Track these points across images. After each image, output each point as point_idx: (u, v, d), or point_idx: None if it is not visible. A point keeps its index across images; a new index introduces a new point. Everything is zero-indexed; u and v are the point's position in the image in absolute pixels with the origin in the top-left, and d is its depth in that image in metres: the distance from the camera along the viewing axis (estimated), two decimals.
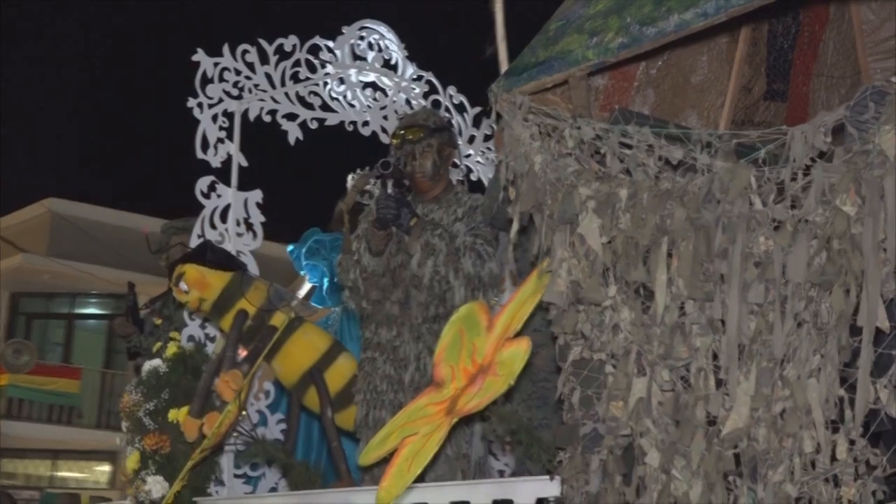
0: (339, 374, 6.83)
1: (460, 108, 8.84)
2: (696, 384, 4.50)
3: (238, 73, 7.79)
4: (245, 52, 7.83)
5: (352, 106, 8.35)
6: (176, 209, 8.80)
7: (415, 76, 8.62)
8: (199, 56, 7.68)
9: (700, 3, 4.61)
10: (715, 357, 4.53)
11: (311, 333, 6.92)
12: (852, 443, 4.19)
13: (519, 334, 5.05)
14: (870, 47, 6.26)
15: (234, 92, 7.77)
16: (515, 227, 5.02)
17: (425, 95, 8.60)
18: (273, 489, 7.43)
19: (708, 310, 4.53)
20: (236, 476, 7.29)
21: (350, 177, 8.23)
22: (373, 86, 8.50)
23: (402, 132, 6.28)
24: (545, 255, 4.99)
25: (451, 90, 8.67)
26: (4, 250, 28.67)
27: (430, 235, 5.96)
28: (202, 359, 6.97)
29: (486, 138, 8.72)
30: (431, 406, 5.14)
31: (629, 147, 4.84)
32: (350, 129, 8.41)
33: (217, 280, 6.72)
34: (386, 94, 8.50)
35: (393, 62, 8.56)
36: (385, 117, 8.50)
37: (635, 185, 4.71)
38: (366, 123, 8.43)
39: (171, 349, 6.86)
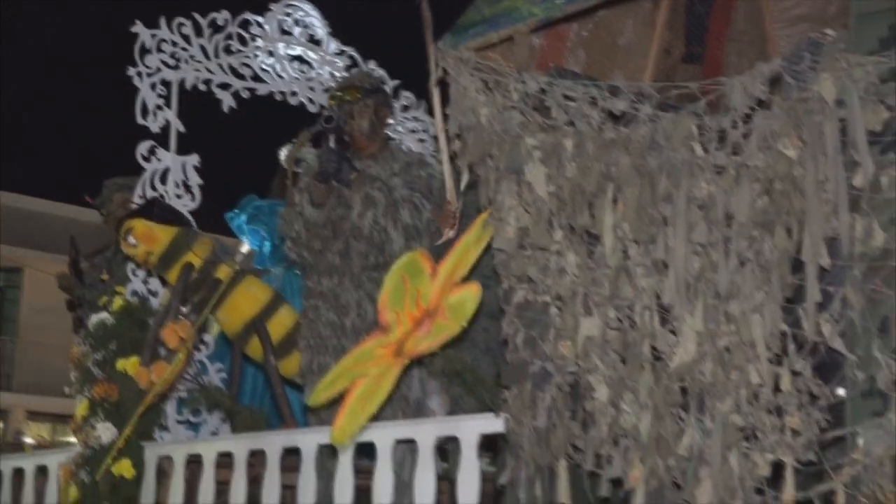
0: (280, 324, 6.48)
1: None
2: (641, 323, 4.17)
3: (174, 44, 7.46)
4: (181, 25, 7.49)
5: (280, 77, 8.03)
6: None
7: (337, 51, 8.25)
8: (138, 28, 7.33)
9: None
10: (659, 297, 4.19)
11: (253, 286, 6.54)
12: (796, 375, 3.85)
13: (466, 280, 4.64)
14: (775, 15, 6.00)
15: (172, 62, 7.40)
16: (465, 177, 4.63)
17: (347, 69, 8.19)
18: (214, 434, 6.96)
19: (652, 252, 4.19)
20: (178, 422, 6.88)
21: (281, 151, 7.86)
22: (299, 59, 8.17)
23: (340, 93, 5.95)
24: (490, 204, 4.61)
25: (372, 64, 8.25)
26: None
27: (369, 188, 5.71)
28: (147, 312, 6.55)
29: (404, 109, 8.29)
30: (379, 349, 4.85)
31: (573, 100, 4.46)
32: (279, 98, 8.10)
33: (164, 234, 6.32)
34: (312, 67, 8.14)
35: (317, 38, 8.18)
36: (311, 88, 8.22)
37: (580, 135, 4.37)
38: (294, 94, 8.13)
39: (118, 303, 6.39)
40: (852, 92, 3.89)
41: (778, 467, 3.92)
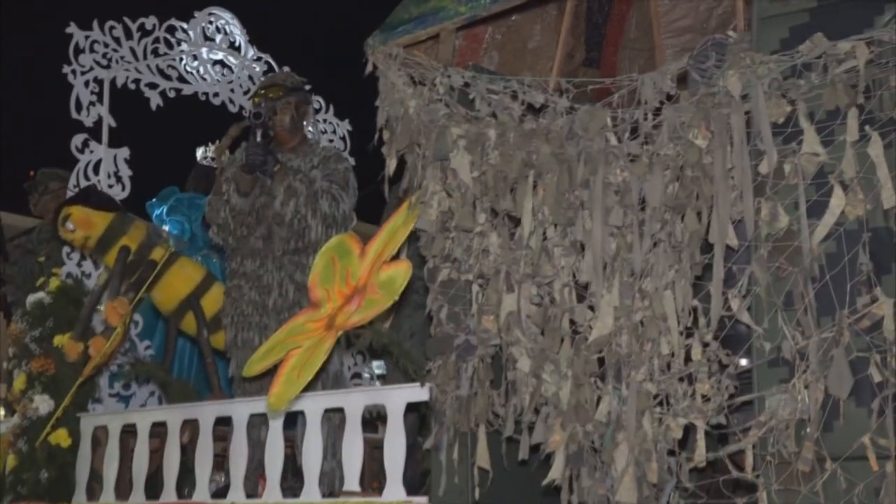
0: (212, 300, 6.10)
1: None
2: (561, 299, 3.94)
3: (106, 45, 7.05)
4: (112, 27, 7.05)
5: (204, 79, 7.65)
6: None
7: (255, 57, 7.92)
8: (72, 29, 6.92)
9: None
10: (576, 275, 3.97)
11: (187, 266, 6.17)
12: (706, 346, 3.66)
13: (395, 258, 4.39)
14: (663, 26, 5.85)
15: (104, 62, 6.96)
16: (392, 164, 4.36)
17: (264, 73, 7.87)
18: (142, 406, 6.57)
19: (570, 234, 3.97)
20: (110, 395, 6.46)
21: (200, 149, 7.51)
22: (221, 63, 7.80)
23: (264, 91, 5.65)
24: (415, 190, 4.35)
25: (286, 69, 7.88)
26: None
27: (291, 179, 5.40)
28: (82, 292, 6.08)
29: (315, 111, 7.97)
30: (310, 323, 4.57)
31: (495, 93, 4.22)
32: (203, 98, 7.69)
33: (101, 220, 5.91)
34: (232, 71, 7.79)
35: (237, 44, 7.80)
36: (232, 90, 7.88)
37: (503, 125, 4.14)
38: (216, 95, 7.75)
39: (54, 283, 5.95)
40: (757, 87, 3.75)
41: (690, 431, 3.73)
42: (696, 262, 3.81)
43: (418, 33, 4.40)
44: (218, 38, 7.76)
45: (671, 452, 3.74)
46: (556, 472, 3.83)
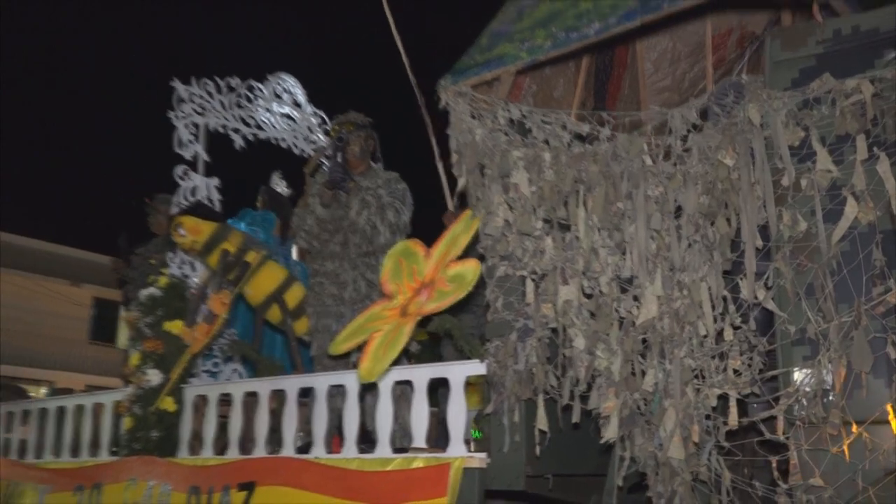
0: (293, 296, 5.54)
1: None
2: (609, 290, 3.39)
3: (202, 97, 6.55)
4: (206, 84, 6.50)
5: (274, 128, 7.16)
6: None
7: (312, 112, 7.37)
8: (176, 83, 6.40)
9: (608, 16, 3.53)
10: (619, 270, 3.50)
11: (273, 268, 5.60)
12: (736, 328, 3.15)
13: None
14: (648, 86, 5.43)
15: (200, 110, 6.46)
16: (463, 181, 3.84)
17: (319, 125, 7.36)
18: (227, 381, 5.95)
19: (615, 237, 3.46)
20: (203, 371, 5.84)
21: (274, 175, 7.11)
22: (287, 116, 7.25)
23: (340, 126, 5.04)
24: (476, 202, 3.85)
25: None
26: None
27: (364, 194, 4.88)
28: (184, 287, 5.48)
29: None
30: (386, 311, 4.05)
31: (549, 123, 3.72)
32: (273, 142, 7.16)
33: (206, 228, 5.34)
34: (295, 122, 7.25)
35: (298, 102, 7.26)
36: (295, 136, 7.34)
37: (556, 149, 3.63)
38: (283, 139, 7.24)
39: (163, 280, 5.35)
40: (776, 116, 3.28)
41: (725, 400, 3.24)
42: (727, 258, 3.32)
43: (484, 75, 3.90)
44: (285, 96, 7.25)
45: (707, 417, 3.23)
46: (611, 433, 3.31)
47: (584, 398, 3.49)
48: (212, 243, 5.29)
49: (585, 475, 4.03)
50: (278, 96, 7.17)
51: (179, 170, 6.23)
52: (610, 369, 3.37)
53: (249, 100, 6.89)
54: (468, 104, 3.91)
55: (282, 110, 7.19)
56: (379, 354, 3.79)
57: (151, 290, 5.39)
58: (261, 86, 7.01)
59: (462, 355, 4.22)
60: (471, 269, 3.73)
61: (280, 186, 7.18)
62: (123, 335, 25.09)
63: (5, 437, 6.67)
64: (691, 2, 3.35)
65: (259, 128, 6.94)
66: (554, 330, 3.62)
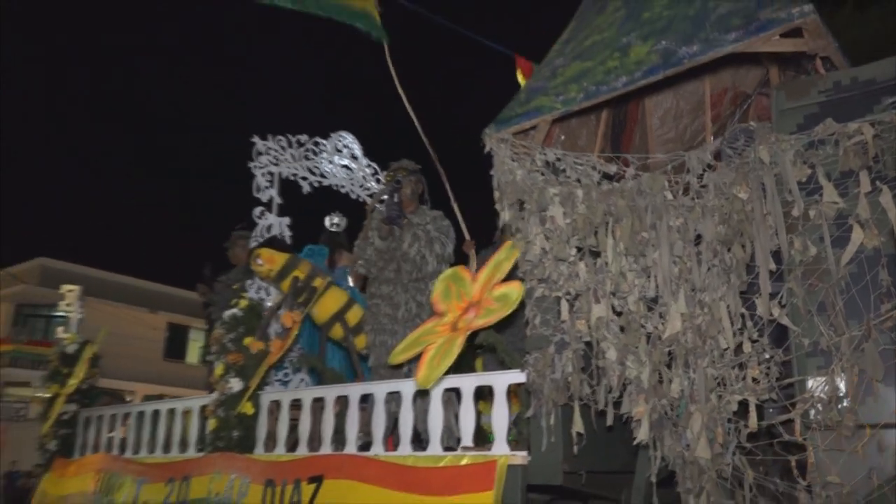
0: (354, 315, 5.35)
1: None
2: (636, 308, 3.17)
3: (276, 151, 6.50)
4: (279, 139, 6.42)
5: (335, 176, 7.06)
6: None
7: (367, 164, 7.23)
8: (255, 139, 6.38)
9: (634, 72, 3.35)
10: (645, 291, 3.28)
11: (336, 291, 5.42)
12: (754, 341, 2.91)
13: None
14: (655, 138, 5.23)
15: (274, 161, 6.36)
16: (505, 216, 3.64)
17: (373, 175, 7.22)
18: (297, 388, 5.75)
19: (641, 262, 3.25)
20: (275, 380, 5.65)
21: (327, 218, 6.69)
22: (346, 167, 7.09)
23: (394, 171, 4.85)
24: (516, 233, 3.67)
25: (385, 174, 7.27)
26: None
27: (415, 229, 4.71)
28: (261, 308, 5.29)
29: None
30: (438, 327, 3.82)
31: (580, 164, 3.52)
32: (335, 188, 7.09)
33: (280, 258, 5.19)
34: (353, 172, 7.08)
35: (356, 155, 7.13)
36: (353, 184, 7.24)
37: (587, 187, 3.42)
38: (342, 186, 7.14)
39: (243, 303, 5.17)
40: (784, 156, 3.07)
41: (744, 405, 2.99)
42: (743, 280, 3.08)
43: (524, 124, 3.72)
44: (345, 150, 7.11)
45: (729, 420, 2.98)
46: (643, 434, 3.07)
47: (616, 404, 3.25)
48: (284, 271, 5.12)
49: (614, 472, 3.77)
50: (339, 150, 7.07)
51: (257, 211, 6.14)
52: (640, 378, 3.13)
53: (315, 153, 6.80)
54: (509, 149, 3.73)
55: (342, 162, 7.08)
56: (434, 364, 3.58)
57: (234, 311, 5.22)
58: (324, 141, 6.92)
59: (503, 366, 4.02)
60: (515, 290, 3.52)
61: (336, 226, 6.95)
62: (193, 353, 25.02)
63: (108, 435, 6.49)
64: (707, 57, 3.17)
65: (323, 176, 6.83)
66: (587, 343, 3.40)
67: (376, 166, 7.37)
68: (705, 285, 3.12)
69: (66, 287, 7.46)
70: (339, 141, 7.09)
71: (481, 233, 5.12)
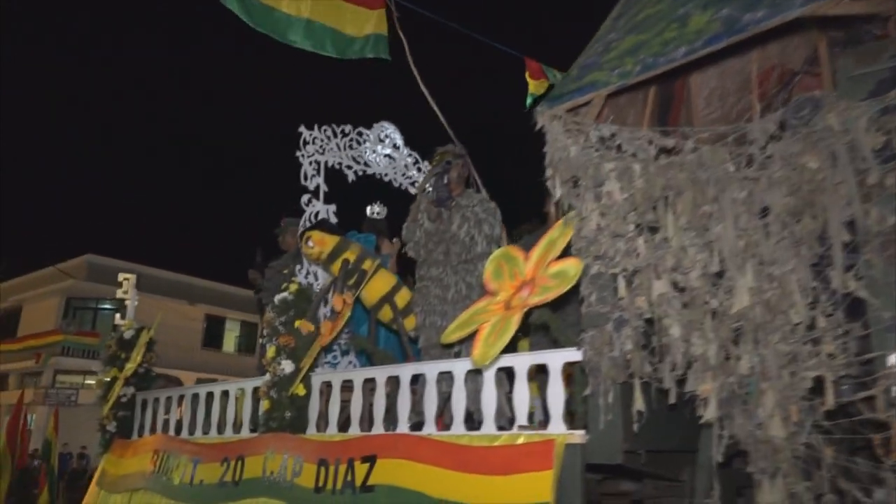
0: (402, 298, 5.16)
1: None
2: (699, 284, 2.89)
3: (322, 140, 6.29)
4: (325, 129, 6.27)
5: (378, 165, 6.84)
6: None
7: (408, 153, 7.01)
8: (302, 129, 6.19)
9: (694, 41, 3.08)
10: (706, 267, 3.00)
11: (385, 274, 5.24)
12: (828, 315, 2.63)
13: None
14: (701, 119, 4.95)
15: (320, 151, 6.17)
16: (559, 193, 3.39)
17: (414, 164, 7.01)
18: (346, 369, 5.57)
19: (704, 236, 2.96)
20: (325, 363, 5.48)
21: (369, 207, 6.50)
22: (389, 156, 6.90)
23: (441, 155, 4.63)
24: (568, 210, 3.44)
25: (425, 163, 7.08)
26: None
27: (464, 211, 4.50)
28: (311, 292, 5.14)
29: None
30: (491, 306, 3.58)
31: (637, 139, 3.27)
32: (378, 177, 6.86)
33: (331, 240, 5.01)
34: (395, 161, 6.88)
35: (397, 144, 6.93)
36: (395, 172, 7.00)
37: (645, 161, 3.14)
38: (386, 175, 6.92)
39: (294, 287, 5.00)
40: (857, 123, 2.77)
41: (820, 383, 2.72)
42: (815, 252, 2.81)
43: (578, 100, 3.46)
44: (387, 140, 6.90)
45: (804, 398, 2.71)
46: (710, 413, 2.81)
47: (679, 382, 3.00)
48: (335, 253, 4.94)
49: (672, 451, 3.53)
50: (381, 140, 6.87)
51: (304, 198, 5.97)
52: (706, 355, 2.88)
53: (359, 143, 6.62)
54: (563, 125, 3.48)
55: (384, 152, 6.88)
56: (490, 341, 3.37)
57: (284, 295, 5.05)
58: (367, 131, 6.74)
59: (556, 345, 3.80)
60: (573, 267, 3.29)
61: (377, 214, 6.75)
62: (229, 342, 25.35)
63: (164, 417, 6.40)
64: (772, 23, 2.90)
65: (367, 165, 6.65)
66: (647, 320, 3.15)
67: (417, 155, 7.17)
68: (774, 258, 2.85)
69: (122, 275, 7.39)
70: (382, 131, 6.90)
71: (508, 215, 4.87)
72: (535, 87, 8.07)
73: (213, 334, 26.44)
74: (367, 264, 4.96)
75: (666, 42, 3.19)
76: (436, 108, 6.82)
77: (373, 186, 6.75)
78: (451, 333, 3.71)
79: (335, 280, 4.91)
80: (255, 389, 5.21)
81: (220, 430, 5.58)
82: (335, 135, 6.37)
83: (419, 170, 7.16)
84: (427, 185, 4.57)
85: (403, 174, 7.02)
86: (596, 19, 3.96)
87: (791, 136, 3.03)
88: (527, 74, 8.11)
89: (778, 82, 4.93)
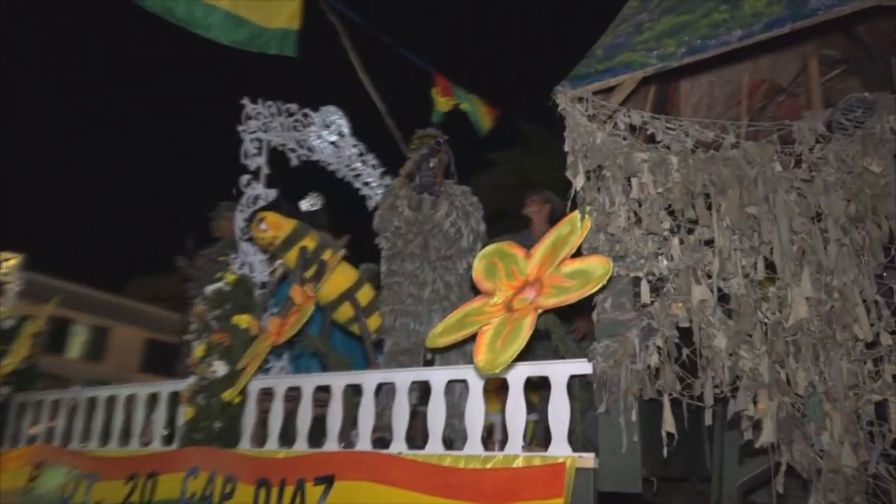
0: (364, 295, 4.60)
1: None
2: (747, 291, 2.58)
3: (265, 117, 5.65)
4: (269, 105, 5.60)
5: (322, 153, 6.22)
6: None
7: (353, 144, 6.41)
8: (245, 101, 5.50)
9: (752, 25, 2.80)
10: (752, 273, 2.71)
11: (347, 267, 4.64)
12: (893, 332, 2.38)
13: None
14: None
15: (263, 128, 5.55)
16: (581, 181, 3.01)
17: (358, 155, 6.44)
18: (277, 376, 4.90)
19: (750, 239, 2.66)
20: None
21: (302, 202, 5.91)
22: (333, 144, 6.26)
23: (421, 139, 4.22)
24: (586, 202, 3.09)
25: (371, 155, 6.53)
26: None
27: (453, 199, 4.10)
28: (251, 284, 4.50)
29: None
30: (487, 307, 3.19)
31: (672, 130, 2.95)
32: (321, 165, 6.29)
33: (287, 224, 4.40)
34: (339, 149, 6.28)
35: (343, 132, 6.33)
36: (339, 160, 6.38)
37: (683, 153, 2.83)
38: (330, 164, 6.34)
39: (231, 277, 4.34)
40: None
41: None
42: (879, 262, 2.56)
43: (608, 81, 3.10)
44: (333, 126, 6.31)
45: (869, 423, 2.44)
46: (767, 436, 2.49)
47: (719, 400, 2.67)
48: (291, 240, 4.32)
49: (675, 479, 3.20)
50: (327, 126, 6.27)
51: (245, 178, 5.29)
52: (758, 370, 2.56)
53: (304, 125, 6.00)
54: (586, 109, 3.11)
55: (329, 139, 6.28)
56: (497, 347, 2.91)
57: (220, 286, 4.37)
58: (313, 114, 6.13)
59: (556, 354, 3.39)
60: (600, 266, 2.90)
61: (313, 205, 6.10)
62: (73, 348, 23.04)
63: (47, 425, 5.44)
64: (850, 8, 2.66)
65: (311, 150, 6.04)
66: (680, 330, 2.81)
67: (363, 147, 6.63)
68: (833, 267, 2.59)
69: (3, 254, 6.32)
70: (328, 116, 6.30)
71: None
72: (442, 104, 7.85)
73: (54, 337, 23.60)
74: (328, 254, 4.36)
75: (715, 24, 2.90)
76: (377, 100, 6.49)
77: (316, 174, 6.16)
78: (439, 337, 3.24)
79: (287, 270, 4.28)
80: (174, 394, 4.48)
81: (124, 441, 4.77)
82: (280, 113, 5.73)
83: (364, 162, 6.62)
84: (411, 168, 4.06)
85: (348, 165, 6.46)
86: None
87: (844, 137, 2.81)
88: (435, 91, 7.89)
89: (765, 97, 4.83)
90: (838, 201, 2.66)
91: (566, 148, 3.12)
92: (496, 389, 3.83)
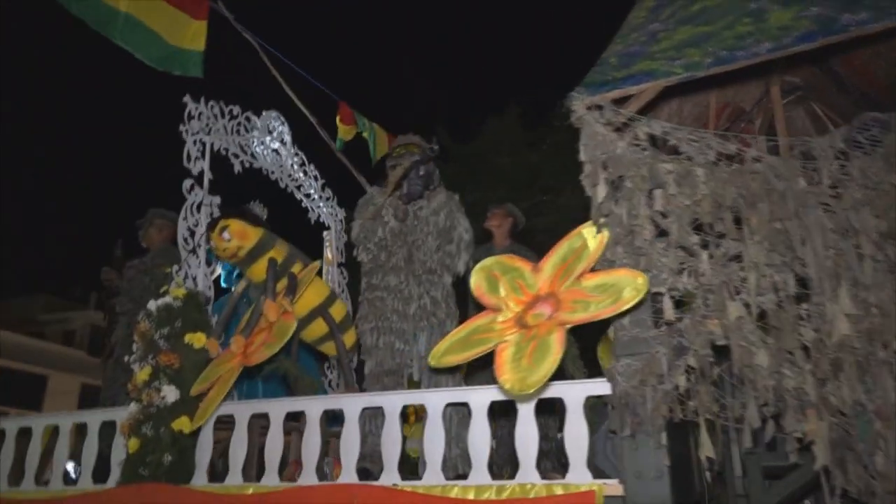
0: (337, 311, 4.17)
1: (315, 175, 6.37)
2: (787, 306, 2.51)
3: (209, 118, 5.07)
4: (212, 105, 5.10)
5: (266, 160, 5.72)
6: None
7: (295, 152, 6.02)
8: (187, 99, 4.91)
9: (782, 38, 2.78)
10: (783, 288, 2.66)
11: (319, 282, 4.25)
12: None
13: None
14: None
15: (206, 129, 5.02)
16: (602, 191, 2.84)
17: (299, 165, 6.06)
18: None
19: (783, 255, 2.61)
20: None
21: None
22: (276, 151, 5.83)
23: (404, 146, 3.98)
24: (601, 214, 2.94)
25: (313, 165, 6.17)
26: None
27: (440, 198, 3.92)
28: (202, 299, 4.03)
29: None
30: (497, 324, 2.99)
31: (696, 141, 2.86)
32: (264, 173, 5.71)
33: (254, 233, 3.95)
34: (281, 157, 5.84)
35: (285, 139, 5.92)
36: (282, 170, 5.91)
37: (710, 165, 2.76)
38: (272, 172, 5.80)
39: (180, 291, 3.86)
40: None
41: None
42: None
43: (628, 89, 2.96)
44: (275, 133, 5.88)
45: None
46: (823, 458, 2.38)
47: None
48: (258, 251, 3.89)
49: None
50: (270, 132, 5.84)
51: (187, 183, 4.77)
52: (803, 389, 2.47)
53: (247, 129, 5.54)
54: (606, 117, 2.97)
55: (272, 146, 5.85)
56: (523, 365, 2.68)
57: (167, 301, 3.88)
58: (256, 119, 5.68)
59: (565, 375, 3.20)
60: (629, 279, 2.73)
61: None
62: None
63: None
64: (881, 26, 2.66)
65: (253, 157, 5.58)
66: (714, 348, 2.69)
67: (304, 156, 6.24)
68: (870, 282, 2.56)
69: None
70: (270, 122, 5.87)
71: None
72: (344, 132, 7.69)
73: None
74: (297, 268, 3.95)
75: (740, 36, 2.85)
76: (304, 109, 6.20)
77: (259, 183, 5.69)
78: (445, 356, 2.97)
79: (249, 285, 3.83)
80: (106, 424, 3.91)
81: (39, 480, 4.11)
82: (223, 114, 5.25)
83: (305, 173, 6.23)
84: (400, 176, 3.75)
85: (290, 175, 6.04)
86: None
87: (863, 154, 2.82)
88: (338, 118, 7.72)
89: (728, 120, 4.92)
90: (868, 217, 2.64)
91: (582, 157, 2.96)
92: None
